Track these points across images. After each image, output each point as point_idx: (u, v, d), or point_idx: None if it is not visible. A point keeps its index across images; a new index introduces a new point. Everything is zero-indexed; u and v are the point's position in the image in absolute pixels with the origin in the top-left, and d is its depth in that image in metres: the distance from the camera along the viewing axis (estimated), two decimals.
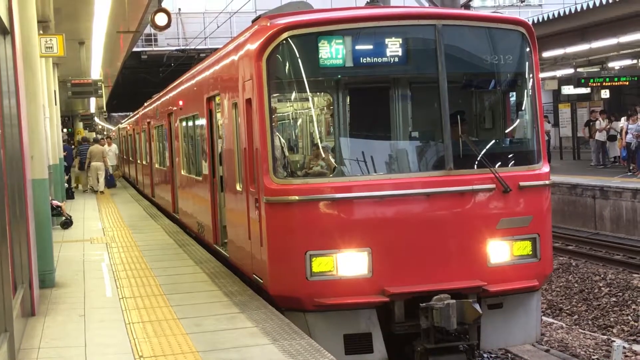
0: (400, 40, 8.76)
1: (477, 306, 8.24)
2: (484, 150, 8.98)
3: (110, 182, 30.93)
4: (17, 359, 7.28)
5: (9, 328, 6.96)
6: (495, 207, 8.78)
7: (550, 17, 24.85)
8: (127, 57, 31.20)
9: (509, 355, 11.03)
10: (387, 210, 8.52)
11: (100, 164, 29.09)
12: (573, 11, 23.71)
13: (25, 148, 9.26)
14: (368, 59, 8.77)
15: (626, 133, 25.32)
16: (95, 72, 28.40)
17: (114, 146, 34.56)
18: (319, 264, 8.36)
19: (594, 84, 32.02)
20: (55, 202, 18.16)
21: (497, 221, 8.74)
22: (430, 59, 8.79)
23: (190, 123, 14.96)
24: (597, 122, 29.36)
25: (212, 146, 12.32)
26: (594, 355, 11.39)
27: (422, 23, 8.89)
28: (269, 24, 8.89)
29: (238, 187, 10.14)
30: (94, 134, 54.64)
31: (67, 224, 17.96)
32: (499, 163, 8.94)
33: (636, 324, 12.90)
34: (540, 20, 25.34)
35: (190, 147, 15.32)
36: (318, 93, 9.44)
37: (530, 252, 8.91)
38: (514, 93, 9.64)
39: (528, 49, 9.24)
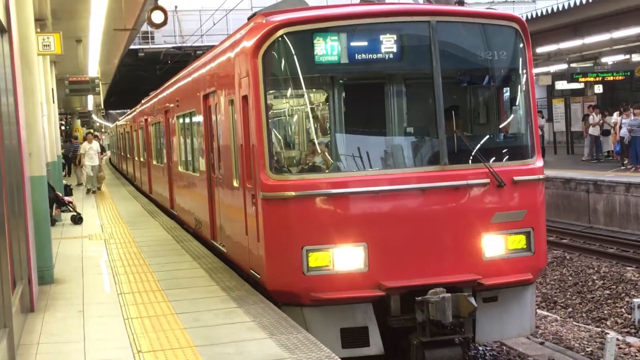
0: (395, 36, 8.82)
1: (472, 299, 8.32)
2: (479, 145, 9.05)
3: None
4: (17, 354, 7.31)
5: (9, 324, 7.01)
6: (490, 202, 8.86)
7: (544, 13, 24.92)
8: (124, 55, 31.25)
9: (504, 347, 11.10)
10: (383, 206, 8.59)
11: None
12: (566, 7, 23.78)
13: (23, 145, 9.31)
14: (363, 55, 8.83)
15: (620, 128, 25.43)
16: (93, 69, 28.44)
17: (95, 144, 28.15)
18: (316, 259, 8.43)
19: (587, 79, 32.12)
20: (67, 198, 18.33)
21: (492, 215, 8.81)
22: (425, 55, 8.85)
23: (187, 120, 15.01)
24: (591, 117, 29.46)
25: (208, 143, 12.37)
26: (588, 347, 11.46)
27: (416, 20, 8.96)
28: (264, 21, 8.93)
29: (235, 183, 10.20)
30: (92, 131, 54.43)
31: (80, 219, 18.11)
32: (493, 158, 9.00)
33: (629, 317, 12.98)
34: (534, 16, 25.42)
35: (187, 144, 15.37)
36: (313, 89, 9.49)
37: (525, 246, 8.98)
38: (508, 88, 9.69)
39: (522, 45, 9.30)
